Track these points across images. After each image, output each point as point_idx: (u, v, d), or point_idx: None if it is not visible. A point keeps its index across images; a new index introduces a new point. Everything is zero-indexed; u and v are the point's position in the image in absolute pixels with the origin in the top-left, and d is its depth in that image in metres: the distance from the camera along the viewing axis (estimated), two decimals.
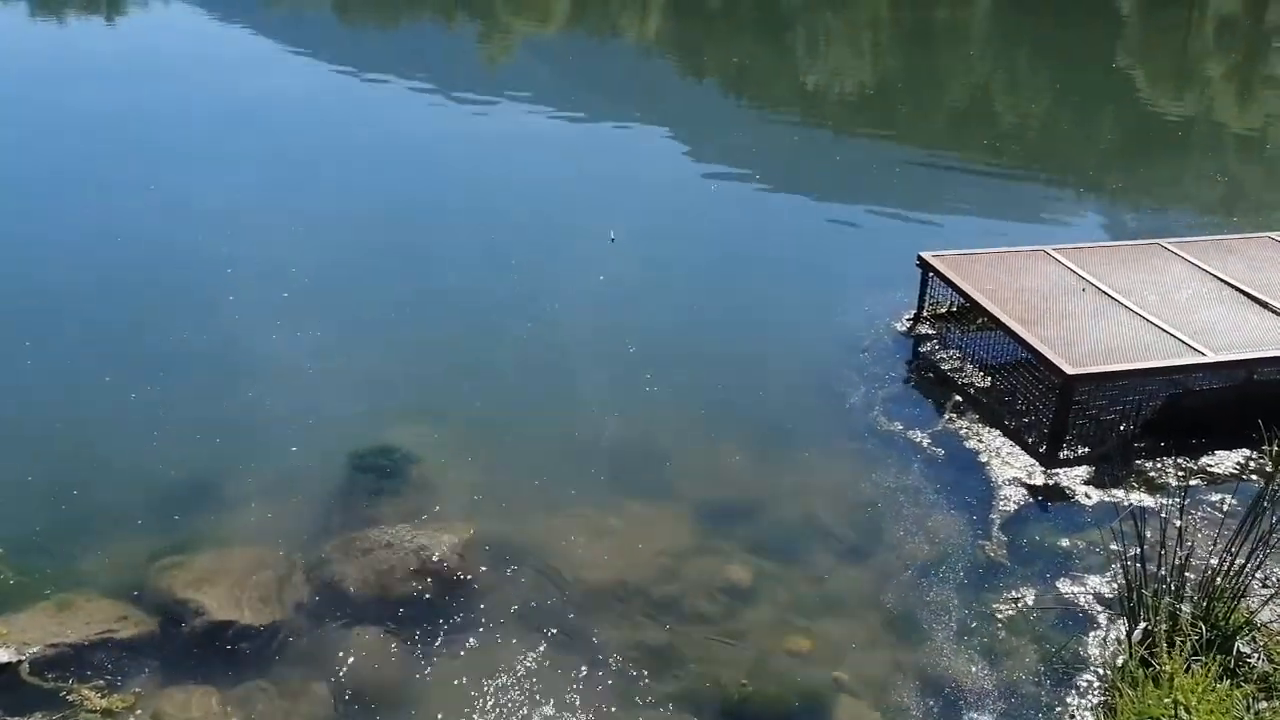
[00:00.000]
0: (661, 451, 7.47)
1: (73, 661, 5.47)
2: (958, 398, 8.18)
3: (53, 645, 5.54)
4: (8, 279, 9.51)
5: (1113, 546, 6.32)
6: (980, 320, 8.64)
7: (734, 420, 7.95)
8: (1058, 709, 5.34)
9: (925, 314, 9.26)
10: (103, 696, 5.27)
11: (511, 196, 12.08)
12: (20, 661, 5.35)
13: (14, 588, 5.94)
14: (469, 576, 6.23)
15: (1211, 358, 7.60)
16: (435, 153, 13.72)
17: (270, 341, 8.43)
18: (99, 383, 7.90)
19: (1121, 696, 4.69)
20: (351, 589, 6.11)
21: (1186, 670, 4.64)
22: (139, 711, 5.21)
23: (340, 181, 12.31)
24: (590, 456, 7.41)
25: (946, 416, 7.93)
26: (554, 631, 5.91)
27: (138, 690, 5.35)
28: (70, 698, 5.23)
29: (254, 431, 7.43)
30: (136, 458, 7.09)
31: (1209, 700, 4.46)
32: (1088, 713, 5.23)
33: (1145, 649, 4.94)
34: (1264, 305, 8.30)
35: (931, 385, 8.47)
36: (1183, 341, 7.75)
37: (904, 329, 9.21)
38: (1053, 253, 9.25)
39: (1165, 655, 4.71)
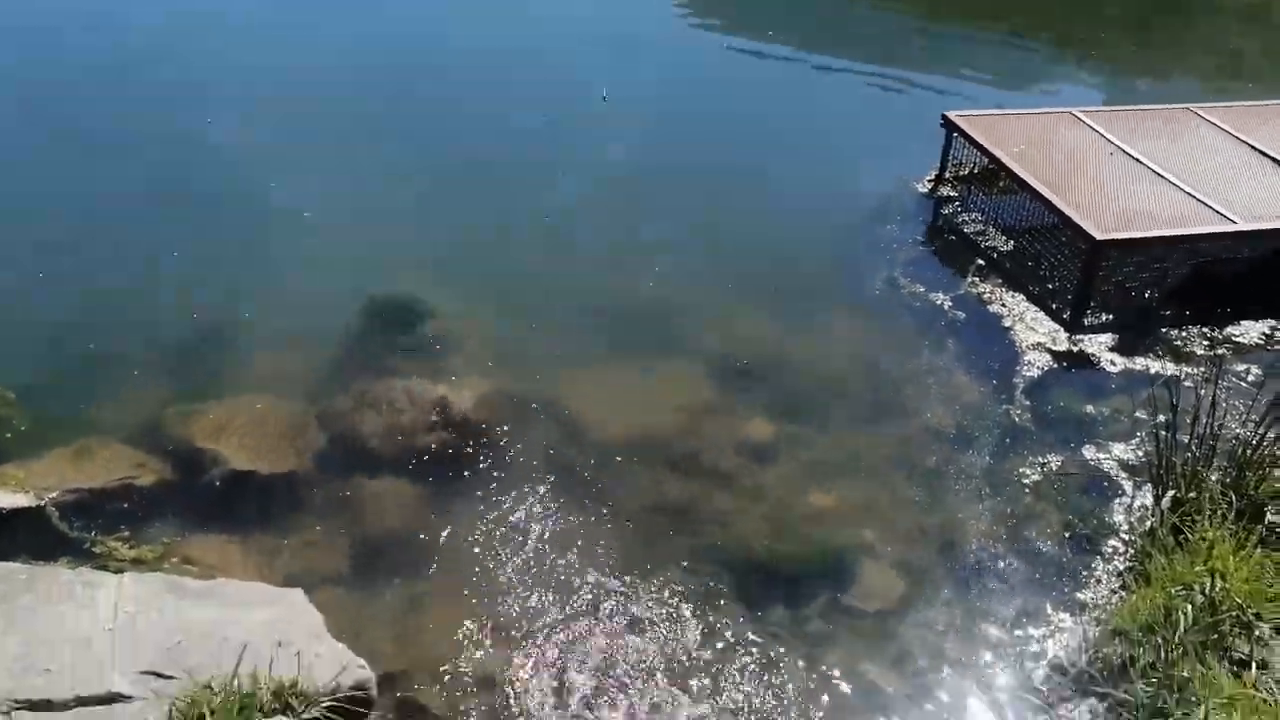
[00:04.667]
0: (679, 311, 7.35)
1: (94, 508, 5.43)
2: (980, 261, 8.05)
3: (72, 491, 5.48)
4: (25, 121, 9.17)
5: (1138, 414, 6.35)
6: (1004, 182, 8.45)
7: (752, 280, 7.81)
8: (1083, 573, 5.35)
9: (948, 175, 9.05)
10: (130, 547, 5.23)
11: (513, 54, 11.60)
12: (43, 506, 5.29)
13: (28, 434, 5.86)
14: (489, 430, 6.17)
15: (1242, 226, 7.44)
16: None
17: (286, 192, 8.19)
18: (112, 229, 7.70)
19: (1152, 562, 4.68)
20: (370, 440, 6.05)
21: None
22: (174, 559, 5.18)
23: (344, 34, 11.80)
24: (608, 314, 7.30)
25: (969, 280, 7.81)
26: (574, 486, 5.88)
27: (165, 540, 5.31)
28: (97, 550, 5.18)
29: (268, 280, 7.28)
30: (148, 305, 6.96)
31: (1244, 568, 4.46)
32: (1114, 578, 5.25)
33: (1176, 516, 4.92)
34: None
35: (953, 248, 8.32)
36: (1213, 209, 7.58)
37: (925, 190, 9.01)
38: (1080, 115, 8.99)
39: (1203, 523, 4.68)
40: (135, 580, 4.63)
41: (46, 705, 3.92)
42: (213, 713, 3.81)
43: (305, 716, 3.97)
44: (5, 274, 7.09)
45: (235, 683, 3.94)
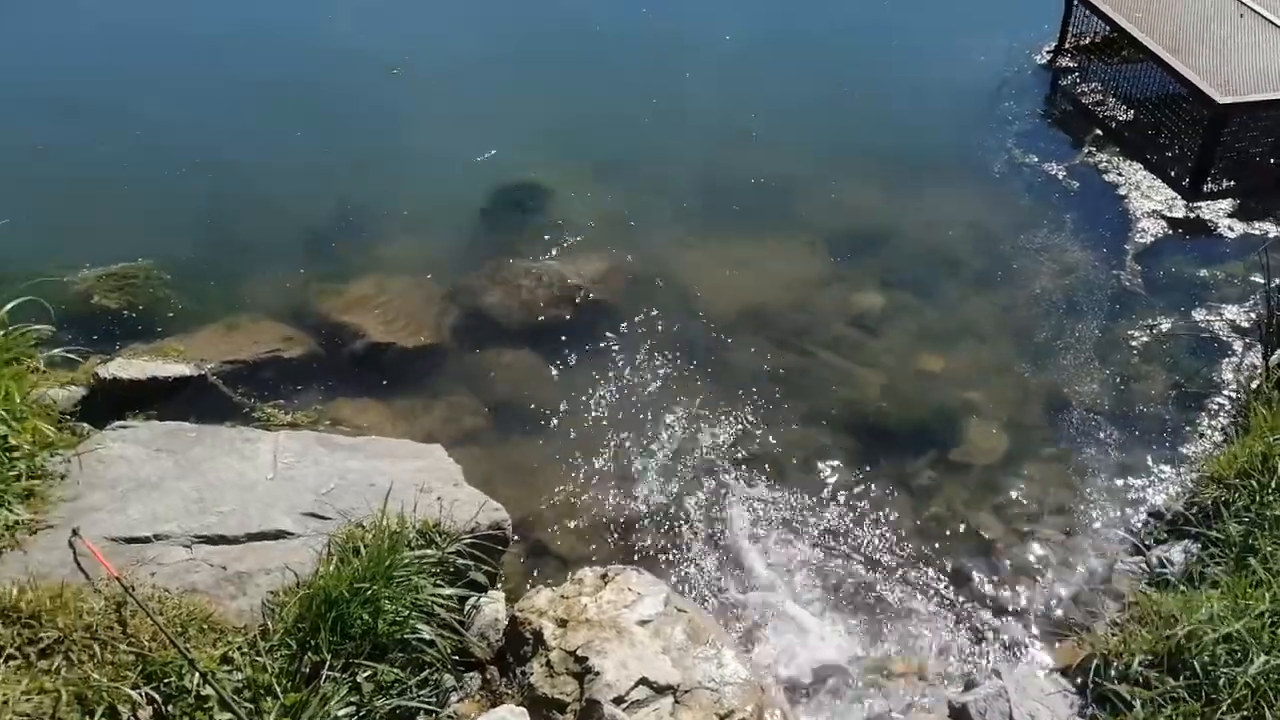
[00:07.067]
0: (793, 186, 7.50)
1: (248, 377, 5.92)
2: (1098, 131, 7.97)
3: (228, 362, 5.97)
4: (181, 32, 9.51)
5: (1253, 278, 6.31)
6: (1125, 51, 8.30)
7: (865, 153, 7.89)
8: (1186, 429, 5.46)
9: (1067, 45, 8.90)
10: (285, 412, 5.71)
11: None
12: (203, 375, 5.79)
13: (184, 311, 6.38)
14: (609, 304, 6.48)
15: None
16: None
17: (416, 82, 8.53)
18: (257, 120, 8.14)
19: (1256, 415, 4.76)
20: (499, 314, 6.42)
21: None
22: (326, 423, 5.64)
23: None
24: (722, 192, 7.48)
25: (1085, 150, 7.76)
26: (691, 354, 6.17)
27: (317, 406, 5.78)
28: (256, 415, 5.66)
29: (399, 166, 7.63)
30: (289, 189, 7.39)
31: None
32: (1217, 433, 5.34)
33: None
34: None
35: (1071, 118, 8.24)
36: None
37: (1044, 61, 8.89)
38: None
39: None
40: (291, 436, 5.09)
41: (221, 540, 4.39)
42: (366, 547, 4.23)
43: (449, 550, 4.36)
44: (159, 165, 7.57)
45: (384, 522, 4.33)
